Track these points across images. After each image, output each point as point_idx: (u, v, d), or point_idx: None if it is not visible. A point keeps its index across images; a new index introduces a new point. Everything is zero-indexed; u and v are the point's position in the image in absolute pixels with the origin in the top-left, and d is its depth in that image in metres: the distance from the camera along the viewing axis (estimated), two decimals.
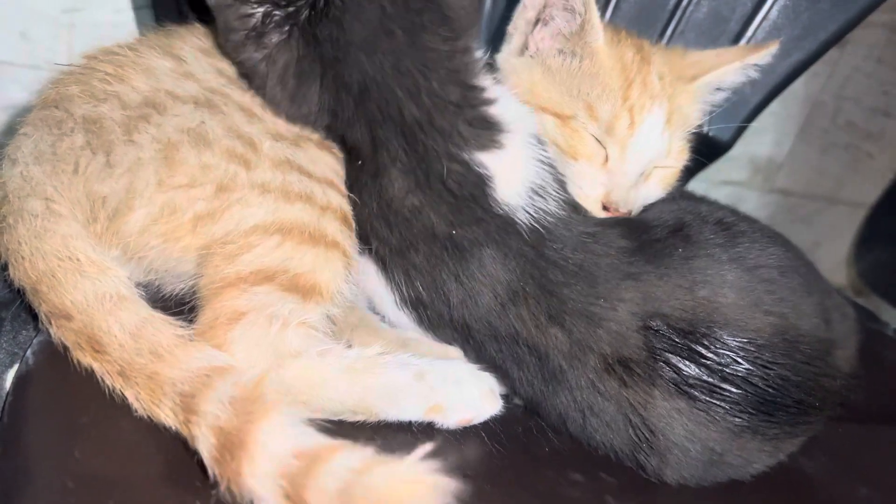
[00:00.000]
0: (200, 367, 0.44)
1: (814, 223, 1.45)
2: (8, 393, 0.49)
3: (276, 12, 0.54)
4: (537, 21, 0.65)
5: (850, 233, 1.44)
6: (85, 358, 0.46)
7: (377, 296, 0.57)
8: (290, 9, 0.54)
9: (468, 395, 0.51)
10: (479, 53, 0.59)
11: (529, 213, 0.53)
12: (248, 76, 0.57)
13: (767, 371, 0.48)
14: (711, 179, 1.31)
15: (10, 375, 0.50)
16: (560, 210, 0.53)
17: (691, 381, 0.48)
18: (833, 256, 1.45)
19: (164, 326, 0.47)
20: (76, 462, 0.44)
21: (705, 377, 0.48)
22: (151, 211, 0.50)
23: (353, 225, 0.55)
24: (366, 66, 0.54)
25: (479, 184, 0.52)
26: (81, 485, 0.43)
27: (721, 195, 1.33)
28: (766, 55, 0.65)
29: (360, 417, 0.48)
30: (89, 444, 0.45)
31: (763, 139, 1.33)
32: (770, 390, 0.48)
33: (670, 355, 0.48)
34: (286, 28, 0.54)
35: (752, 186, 1.37)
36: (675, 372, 0.48)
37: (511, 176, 0.53)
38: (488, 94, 0.55)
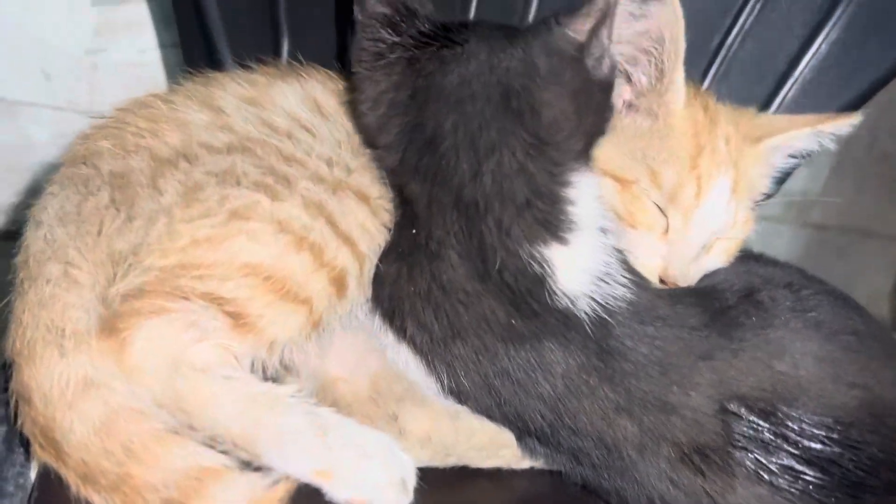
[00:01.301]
0: (187, 468, 0.41)
1: (849, 258, 1.42)
2: (32, 489, 0.46)
3: (410, 44, 0.54)
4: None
5: (886, 266, 1.43)
6: (43, 454, 0.43)
7: (418, 382, 0.53)
8: (417, 46, 0.54)
9: (370, 475, 0.45)
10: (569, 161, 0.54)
11: (594, 302, 0.50)
12: (354, 86, 0.57)
13: (856, 451, 0.46)
14: None
15: (34, 467, 0.47)
16: (627, 293, 0.51)
17: (773, 467, 0.46)
18: (870, 289, 1.42)
19: (137, 417, 0.43)
20: None
21: (788, 462, 0.46)
22: (146, 250, 0.47)
23: (350, 286, 0.51)
24: (443, 121, 0.52)
25: (537, 277, 0.50)
26: None
27: (755, 230, 1.34)
28: (844, 125, 0.62)
29: (241, 454, 0.44)
30: None
31: (797, 173, 1.32)
32: (858, 472, 0.46)
33: (750, 441, 0.46)
34: (402, 60, 0.54)
35: (786, 221, 1.36)
36: (756, 458, 0.46)
37: (574, 268, 0.51)
38: (566, 194, 0.52)
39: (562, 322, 0.49)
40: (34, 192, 0.87)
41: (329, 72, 0.64)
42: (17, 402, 0.45)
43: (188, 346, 0.44)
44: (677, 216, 0.59)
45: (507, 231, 0.50)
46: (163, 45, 0.90)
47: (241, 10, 0.70)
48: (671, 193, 0.59)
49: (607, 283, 0.51)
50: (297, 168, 0.51)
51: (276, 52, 0.71)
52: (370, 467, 0.45)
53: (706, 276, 0.60)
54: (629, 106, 0.62)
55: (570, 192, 0.52)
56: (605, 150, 0.58)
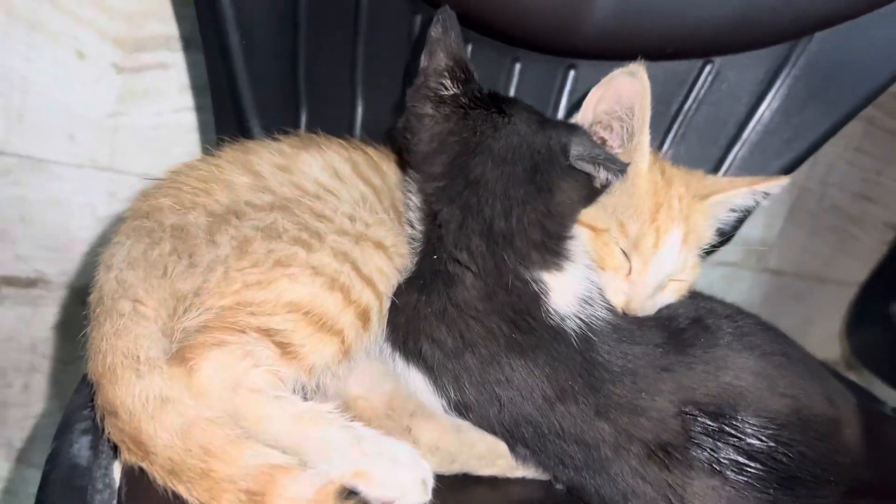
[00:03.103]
0: (259, 465, 0.47)
1: (805, 301, 1.50)
2: (120, 486, 0.50)
3: (464, 99, 0.63)
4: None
5: (839, 310, 1.49)
6: (132, 458, 0.48)
7: (424, 401, 0.59)
8: (469, 105, 0.63)
9: (399, 476, 0.51)
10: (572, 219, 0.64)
11: (579, 320, 0.57)
12: (409, 117, 0.65)
13: (788, 448, 0.52)
14: (708, 261, 1.37)
15: (116, 467, 0.52)
16: (606, 315, 0.58)
17: (723, 460, 0.52)
18: (824, 333, 1.50)
19: (210, 428, 0.48)
20: None
21: (735, 456, 0.52)
22: (206, 293, 0.54)
23: (373, 320, 0.58)
24: (487, 170, 0.60)
25: (535, 297, 0.57)
26: None
27: (716, 275, 1.41)
28: (775, 186, 0.70)
29: (291, 461, 0.50)
30: None
31: (755, 223, 1.37)
32: (791, 466, 0.53)
33: (704, 437, 0.52)
34: (459, 108, 0.63)
35: (746, 267, 1.42)
36: (709, 453, 0.52)
37: (565, 290, 0.58)
38: (567, 235, 0.61)
39: (553, 337, 0.56)
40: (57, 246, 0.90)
41: (341, 141, 0.71)
42: (102, 414, 0.50)
43: (245, 372, 0.51)
44: (638, 261, 0.66)
45: (521, 257, 0.58)
46: (198, 108, 0.95)
47: (268, 88, 0.76)
48: (634, 242, 0.66)
49: (591, 305, 0.59)
50: (326, 224, 0.58)
51: (296, 123, 0.78)
52: (398, 470, 0.51)
53: (662, 308, 0.66)
54: None
55: (570, 234, 0.61)
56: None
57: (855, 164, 1.38)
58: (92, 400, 0.53)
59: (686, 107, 0.86)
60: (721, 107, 0.86)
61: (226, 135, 0.68)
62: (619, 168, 0.59)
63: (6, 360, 1.00)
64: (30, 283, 0.97)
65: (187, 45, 0.91)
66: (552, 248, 0.59)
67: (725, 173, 0.86)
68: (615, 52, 0.78)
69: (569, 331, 0.56)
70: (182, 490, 0.47)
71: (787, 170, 0.89)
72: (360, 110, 0.82)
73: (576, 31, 0.77)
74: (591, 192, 0.63)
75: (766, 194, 0.71)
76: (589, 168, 0.60)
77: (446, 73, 0.63)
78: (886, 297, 1.26)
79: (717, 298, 0.69)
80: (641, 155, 0.66)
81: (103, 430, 0.51)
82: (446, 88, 0.63)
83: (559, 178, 0.60)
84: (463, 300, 0.57)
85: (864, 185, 1.40)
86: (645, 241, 0.65)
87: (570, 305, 0.58)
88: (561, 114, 0.85)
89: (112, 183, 0.95)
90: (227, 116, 0.76)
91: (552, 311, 0.57)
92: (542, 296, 0.57)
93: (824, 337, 1.51)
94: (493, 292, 0.57)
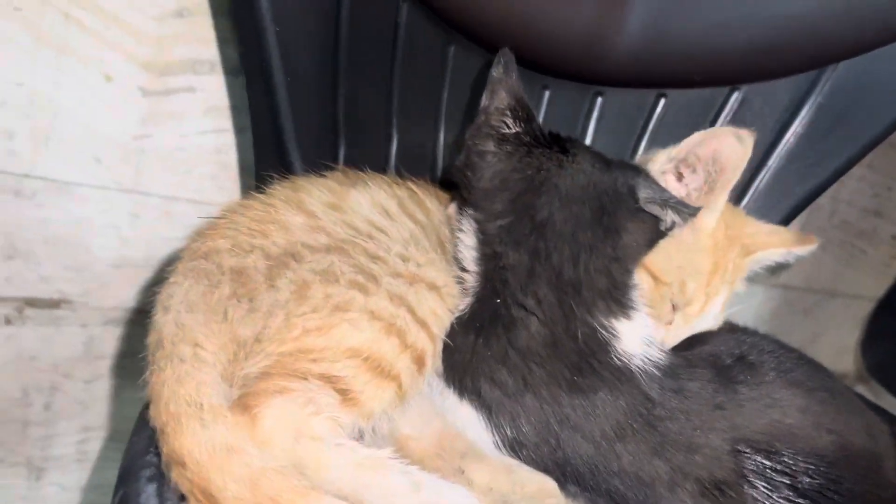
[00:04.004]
0: None
1: (815, 315, 1.52)
2: None
3: (527, 138, 0.65)
4: (674, 169, 0.70)
5: (848, 323, 1.51)
6: None
7: (474, 438, 0.60)
8: (532, 143, 0.64)
9: None
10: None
11: (644, 360, 0.59)
12: (469, 155, 0.66)
13: (837, 485, 0.54)
14: None
15: None
16: (662, 355, 0.60)
17: (777, 498, 0.53)
18: (834, 345, 1.52)
19: (280, 478, 0.49)
20: None
21: (787, 493, 0.53)
22: (266, 340, 0.54)
23: (427, 364, 0.59)
24: (555, 211, 0.61)
25: (604, 342, 0.59)
26: None
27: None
28: (809, 250, 0.72)
29: None
30: None
31: None
32: (838, 499, 0.54)
33: (757, 475, 0.54)
34: (522, 146, 0.64)
35: (759, 282, 1.42)
36: (762, 490, 0.54)
37: (634, 335, 0.60)
38: (633, 285, 0.62)
39: (617, 378, 0.58)
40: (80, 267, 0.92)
41: (384, 176, 0.73)
42: (168, 463, 0.50)
43: (307, 419, 0.51)
44: (681, 318, 0.68)
45: (589, 308, 0.59)
46: (238, 130, 0.96)
47: (310, 123, 0.78)
48: (686, 301, 0.68)
49: (651, 346, 0.60)
50: (381, 265, 0.59)
51: (335, 156, 0.80)
52: None
53: (704, 340, 0.68)
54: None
55: (634, 283, 0.62)
56: (657, 253, 0.67)
57: (865, 180, 1.40)
58: (153, 444, 0.53)
59: None
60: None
61: (267, 168, 0.69)
62: (690, 212, 0.61)
63: (28, 379, 1.00)
64: (53, 303, 0.97)
65: (213, 68, 0.93)
66: (618, 299, 0.60)
67: (750, 198, 0.86)
68: (642, 80, 0.82)
69: (635, 370, 0.58)
70: None
71: (811, 196, 0.90)
72: (395, 141, 0.84)
73: (604, 59, 0.78)
74: (656, 236, 0.64)
75: (798, 256, 0.74)
76: (657, 211, 0.61)
77: (508, 112, 0.65)
78: None
79: (753, 331, 0.71)
80: (713, 213, 0.68)
81: (168, 478, 0.51)
82: (508, 127, 0.65)
83: (626, 219, 0.62)
84: (526, 345, 0.58)
85: (875, 200, 1.42)
86: (695, 304, 0.68)
87: (636, 347, 0.59)
88: (589, 139, 0.86)
89: (135, 204, 0.96)
90: (268, 151, 0.78)
91: (621, 353, 0.59)
92: (611, 341, 0.59)
93: (834, 349, 1.53)
94: (558, 339, 0.59)
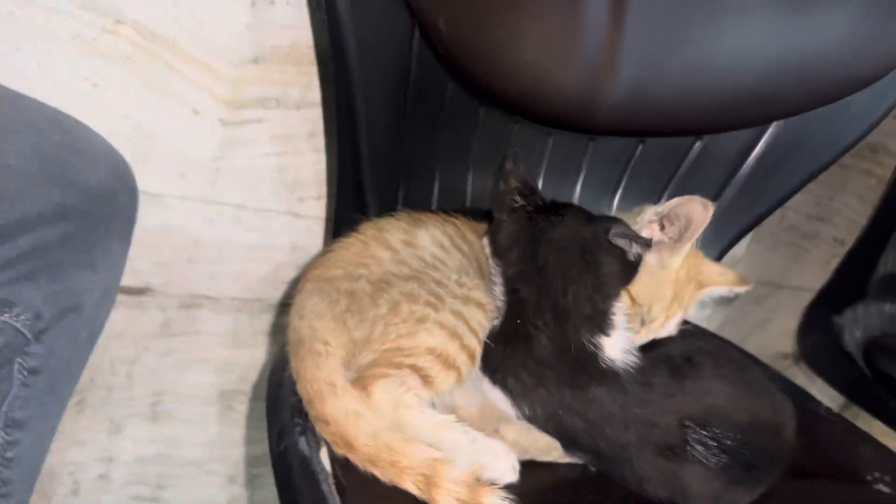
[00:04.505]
0: (426, 458, 0.62)
1: (765, 304, 1.66)
2: (333, 469, 0.66)
3: (530, 208, 0.79)
4: (657, 221, 0.83)
5: (793, 311, 1.60)
6: (340, 451, 0.64)
7: (504, 410, 0.75)
8: (532, 212, 0.79)
9: (500, 464, 0.67)
10: (616, 301, 0.77)
11: (623, 364, 0.73)
12: (492, 223, 0.81)
13: (748, 446, 0.70)
14: None
15: (324, 454, 0.67)
16: (636, 359, 0.74)
17: (707, 455, 0.69)
18: (781, 329, 1.63)
19: (390, 434, 0.64)
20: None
21: (715, 452, 0.69)
22: (373, 341, 0.70)
23: (478, 360, 0.73)
24: (549, 255, 0.76)
25: (591, 352, 0.73)
26: None
27: None
28: (746, 289, 0.86)
29: (433, 453, 0.64)
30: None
31: None
32: (749, 456, 0.70)
33: (696, 441, 0.69)
34: (526, 213, 0.79)
35: None
36: (698, 451, 0.69)
37: (614, 346, 0.74)
38: (613, 312, 0.76)
39: (602, 376, 0.72)
40: (163, 262, 1.08)
41: (435, 215, 0.87)
42: (314, 422, 0.66)
43: (402, 394, 0.67)
44: (645, 330, 0.84)
45: (577, 329, 0.73)
46: (266, 155, 1.07)
47: (381, 171, 0.91)
48: (652, 319, 0.83)
49: (629, 354, 0.74)
50: (444, 289, 0.74)
51: (395, 198, 0.94)
52: (499, 460, 0.67)
53: (664, 343, 0.84)
54: (656, 244, 0.82)
55: (614, 311, 0.76)
56: (636, 281, 0.80)
57: (810, 191, 1.36)
58: (296, 411, 0.71)
59: (679, 171, 1.02)
60: (707, 172, 1.02)
61: (345, 206, 0.87)
62: (645, 243, 0.75)
63: (115, 353, 1.13)
64: (139, 291, 1.10)
65: (278, 104, 1.04)
66: (599, 322, 0.74)
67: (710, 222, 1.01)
68: (624, 132, 0.96)
69: (617, 371, 0.72)
70: (377, 472, 0.63)
71: (757, 221, 1.05)
72: (437, 185, 0.97)
73: (595, 117, 0.89)
74: (627, 266, 0.77)
75: (736, 294, 0.87)
76: (623, 243, 0.75)
77: (516, 192, 0.79)
78: (830, 310, 1.35)
79: (701, 332, 0.87)
80: (679, 256, 0.83)
81: (314, 432, 0.68)
82: (517, 202, 0.80)
83: (602, 255, 0.76)
84: (539, 354, 0.73)
85: (818, 208, 1.54)
86: (657, 322, 0.83)
87: (617, 355, 0.73)
88: (583, 174, 1.03)
89: (211, 211, 1.09)
90: (349, 193, 0.92)
91: (606, 360, 0.73)
92: (597, 352, 0.73)
93: (780, 333, 1.64)
94: (561, 350, 0.73)
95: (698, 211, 0.79)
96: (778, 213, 1.33)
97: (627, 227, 0.77)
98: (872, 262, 1.25)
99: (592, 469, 0.77)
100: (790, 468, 0.75)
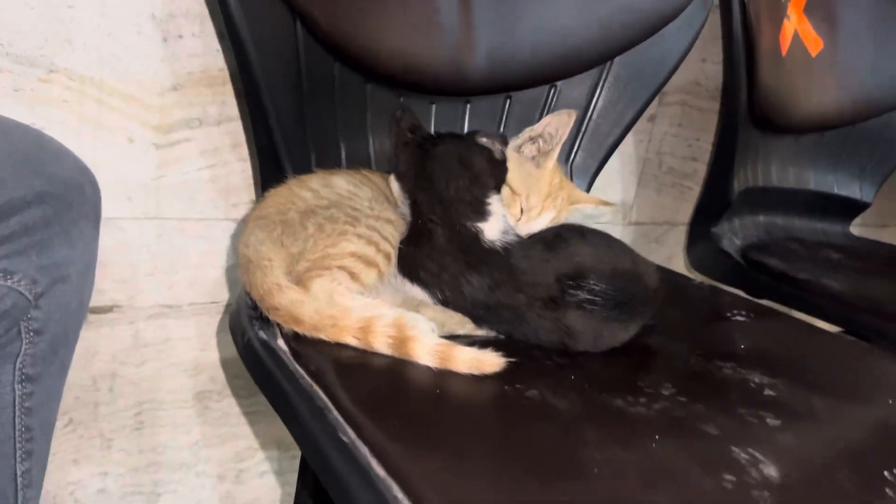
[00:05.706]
0: (362, 317, 0.76)
1: (664, 242, 1.77)
2: (287, 341, 0.78)
3: (418, 139, 0.95)
4: (532, 139, 1.01)
5: (674, 243, 1.77)
6: (289, 325, 0.77)
7: (422, 300, 0.88)
8: (420, 141, 0.95)
9: (420, 325, 0.78)
10: (491, 192, 0.92)
11: (502, 243, 0.86)
12: (394, 154, 0.97)
13: (615, 288, 0.83)
14: (587, 222, 1.44)
15: (280, 341, 0.79)
16: (514, 238, 0.87)
17: (582, 301, 0.81)
18: (682, 263, 1.77)
19: (329, 307, 0.77)
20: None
21: (587, 296, 0.81)
22: (306, 253, 0.83)
23: (393, 260, 0.86)
24: (435, 166, 0.92)
25: (475, 235, 0.87)
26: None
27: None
28: (610, 209, 1.09)
29: (367, 312, 0.78)
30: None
31: (616, 189, 1.64)
32: (617, 296, 0.82)
33: (571, 291, 0.81)
34: (416, 143, 0.95)
35: (615, 223, 1.67)
36: (575, 298, 0.81)
37: (492, 229, 0.88)
38: (488, 201, 0.90)
39: (487, 254, 0.86)
40: (125, 279, 1.17)
41: (346, 170, 1.01)
42: (267, 311, 0.79)
43: (334, 286, 0.80)
44: (525, 218, 0.99)
45: (460, 215, 0.87)
46: (198, 170, 1.15)
47: (293, 143, 1.00)
48: (529, 207, 0.98)
49: (507, 234, 0.88)
50: (358, 212, 0.88)
51: (308, 165, 1.03)
52: (419, 322, 0.79)
53: (541, 233, 0.94)
54: (532, 157, 1.01)
55: (489, 200, 0.91)
56: (515, 176, 0.98)
57: (679, 136, 1.66)
58: (248, 310, 0.84)
59: (550, 101, 1.17)
60: (572, 97, 1.19)
61: (269, 179, 0.96)
62: (501, 138, 0.95)
63: (94, 370, 1.19)
64: (107, 309, 1.17)
65: (201, 123, 1.12)
66: (477, 208, 0.88)
67: (579, 147, 1.21)
68: (492, 90, 1.13)
69: (499, 249, 0.86)
70: (322, 335, 0.77)
71: (616, 142, 1.22)
72: (343, 154, 1.08)
73: (465, 82, 1.08)
74: (495, 163, 0.93)
75: (601, 212, 1.11)
76: (487, 143, 0.92)
77: (408, 130, 0.96)
78: (707, 221, 1.53)
79: (578, 225, 0.96)
80: (551, 160, 1.00)
81: (269, 323, 0.81)
82: (409, 137, 0.96)
83: (473, 155, 0.93)
84: (438, 245, 0.86)
85: (689, 149, 1.67)
86: (534, 210, 1.00)
87: (496, 236, 0.87)
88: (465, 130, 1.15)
89: (159, 227, 1.16)
90: (269, 166, 1.02)
91: (486, 241, 0.86)
92: (479, 234, 0.87)
93: (681, 266, 1.76)
94: (452, 236, 0.86)
95: (563, 119, 1.00)
96: (655, 158, 1.65)
97: (489, 134, 0.95)
98: (728, 179, 1.45)
99: (501, 336, 0.88)
100: (655, 308, 0.89)
